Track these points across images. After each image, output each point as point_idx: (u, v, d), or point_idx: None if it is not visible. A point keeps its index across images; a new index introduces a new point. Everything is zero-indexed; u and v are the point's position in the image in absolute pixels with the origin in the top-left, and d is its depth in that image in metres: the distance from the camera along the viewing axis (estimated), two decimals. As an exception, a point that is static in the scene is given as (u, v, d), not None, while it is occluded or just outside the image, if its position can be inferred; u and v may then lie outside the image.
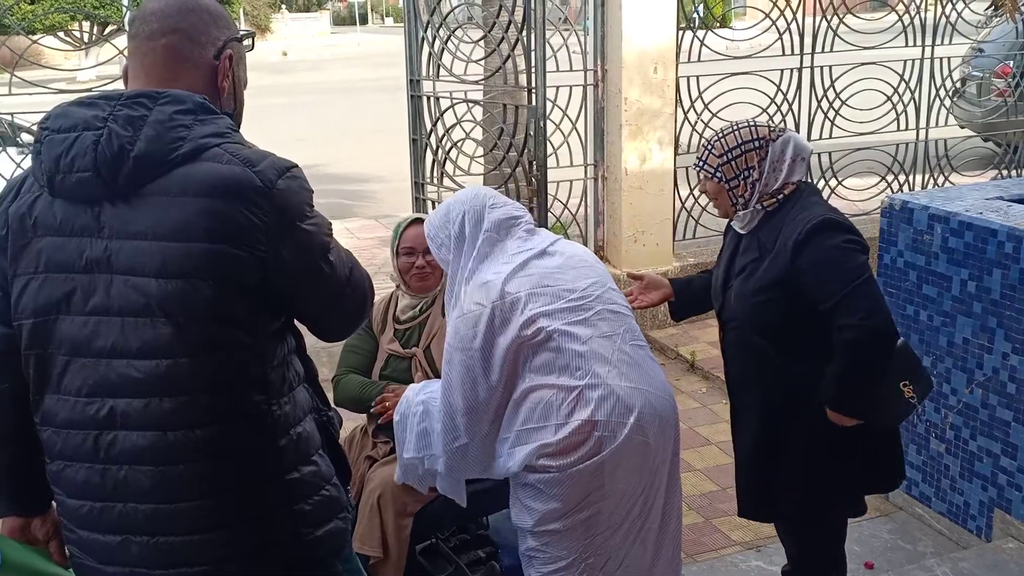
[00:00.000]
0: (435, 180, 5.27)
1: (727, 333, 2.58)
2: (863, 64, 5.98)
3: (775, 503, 2.54)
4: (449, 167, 5.23)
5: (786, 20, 5.73)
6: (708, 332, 5.38)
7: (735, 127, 2.48)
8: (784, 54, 5.79)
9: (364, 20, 52.90)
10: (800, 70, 5.80)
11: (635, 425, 2.28)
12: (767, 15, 5.76)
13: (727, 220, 2.61)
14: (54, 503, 1.68)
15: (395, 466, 2.74)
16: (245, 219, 1.46)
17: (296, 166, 1.57)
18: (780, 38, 5.75)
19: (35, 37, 5.10)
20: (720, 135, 2.47)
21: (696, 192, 5.64)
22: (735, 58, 5.68)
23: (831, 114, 5.97)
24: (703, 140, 5.59)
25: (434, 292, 2.96)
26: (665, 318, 5.54)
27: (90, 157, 1.45)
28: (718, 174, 2.44)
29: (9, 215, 1.53)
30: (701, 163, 2.48)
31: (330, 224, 1.61)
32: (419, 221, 3.00)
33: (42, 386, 1.55)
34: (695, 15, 5.68)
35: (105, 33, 17.48)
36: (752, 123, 2.48)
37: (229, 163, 1.47)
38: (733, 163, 2.43)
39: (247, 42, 1.68)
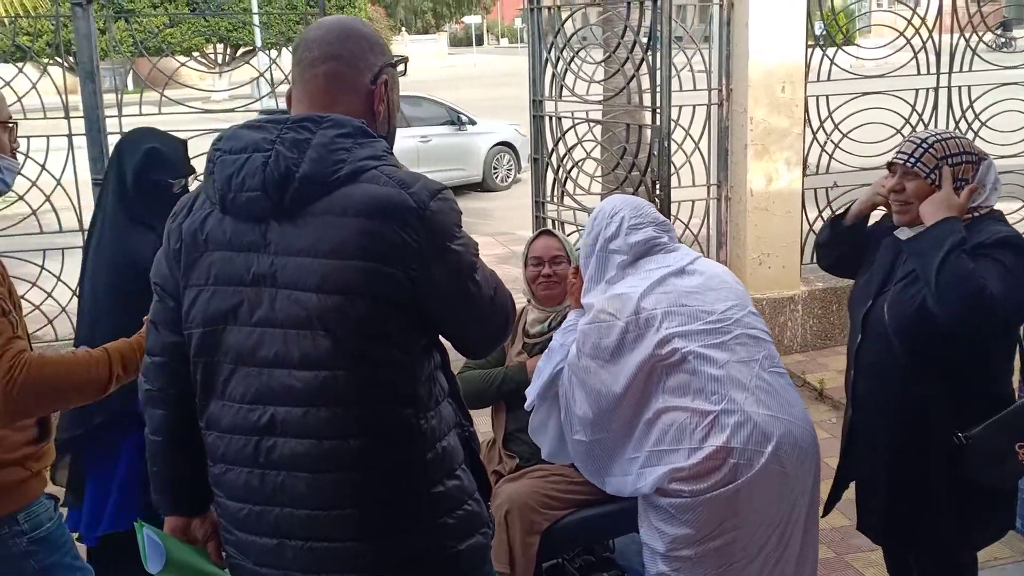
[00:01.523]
0: (555, 199, 5.29)
1: (866, 342, 2.45)
2: (1004, 84, 5.70)
3: (906, 529, 2.44)
4: (569, 186, 5.24)
5: (921, 38, 5.51)
6: (838, 359, 5.20)
7: (952, 135, 2.37)
8: (919, 73, 5.57)
9: (480, 41, 53.91)
10: (936, 90, 5.58)
11: (773, 454, 2.22)
12: (901, 33, 5.56)
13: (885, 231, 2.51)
14: (213, 505, 1.75)
15: (523, 482, 2.76)
16: (399, 239, 1.50)
17: (446, 188, 1.60)
18: (915, 57, 5.54)
19: (182, 60, 5.38)
20: (939, 138, 2.34)
21: (825, 214, 5.50)
22: (867, 77, 5.50)
23: (970, 136, 5.70)
24: (826, 154, 5.44)
25: (562, 307, 2.98)
26: (791, 344, 5.40)
27: (259, 177, 1.52)
28: (932, 175, 2.31)
29: (183, 230, 1.61)
30: (913, 160, 2.33)
31: (477, 245, 1.64)
32: (547, 233, 3.16)
33: (208, 392, 1.62)
34: (821, 32, 5.53)
35: (238, 55, 18.34)
36: (965, 136, 2.40)
37: (385, 184, 1.52)
38: (952, 169, 2.31)
39: (400, 67, 1.72)
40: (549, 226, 5.32)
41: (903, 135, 5.54)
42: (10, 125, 1.98)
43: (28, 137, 4.40)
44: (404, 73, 1.75)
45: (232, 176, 1.54)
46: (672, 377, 2.29)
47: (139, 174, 2.51)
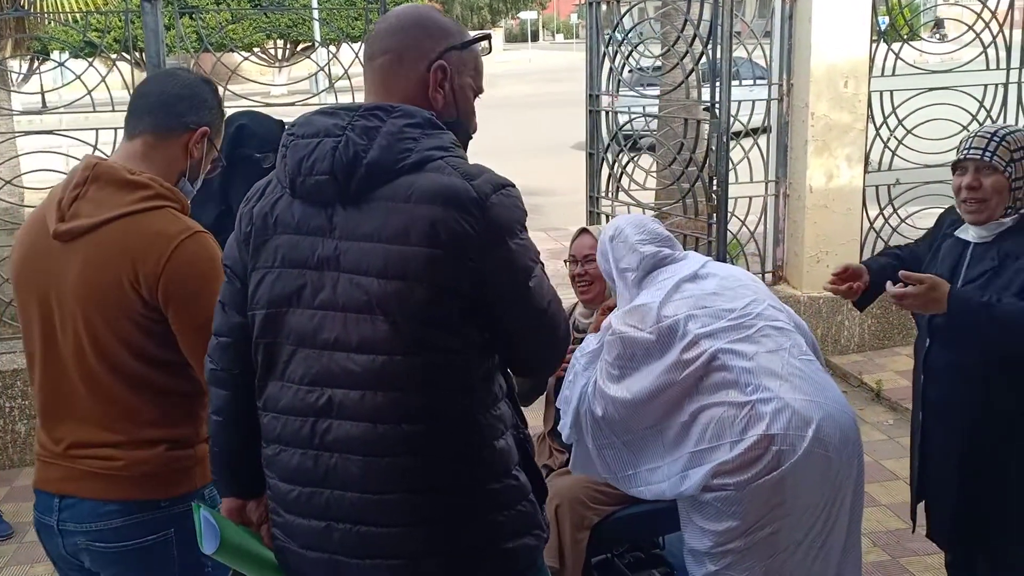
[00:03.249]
0: (610, 194, 5.27)
1: (936, 347, 2.40)
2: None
3: (978, 535, 2.40)
4: (624, 181, 5.21)
5: (991, 32, 5.36)
6: (895, 360, 5.10)
7: (1014, 127, 2.34)
8: (988, 68, 5.42)
9: (535, 37, 53.94)
10: (1006, 86, 5.41)
11: (814, 438, 2.22)
12: (970, 27, 5.41)
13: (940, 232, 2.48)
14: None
15: (573, 476, 2.76)
16: (459, 228, 1.49)
17: (512, 185, 1.58)
18: (984, 52, 5.39)
19: (245, 55, 5.48)
20: (1008, 130, 2.31)
21: (886, 212, 5.39)
22: (934, 72, 5.37)
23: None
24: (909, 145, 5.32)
25: (607, 304, 2.97)
26: (848, 344, 5.30)
27: (328, 162, 1.54)
28: (1009, 169, 2.27)
29: (254, 213, 1.64)
30: (989, 154, 2.28)
31: (538, 252, 1.61)
32: (585, 231, 3.11)
33: (268, 373, 1.64)
34: (884, 27, 5.41)
35: (298, 51, 18.62)
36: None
37: (449, 174, 1.52)
38: (1022, 163, 2.28)
39: (482, 45, 1.68)
40: (603, 221, 5.31)
41: (969, 132, 5.38)
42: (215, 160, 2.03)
43: (97, 130, 4.53)
44: (488, 51, 1.71)
45: (303, 160, 1.56)
46: (704, 378, 2.30)
47: (229, 148, 2.61)
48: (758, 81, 5.50)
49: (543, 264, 1.62)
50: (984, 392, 2.31)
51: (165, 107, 1.90)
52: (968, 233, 2.37)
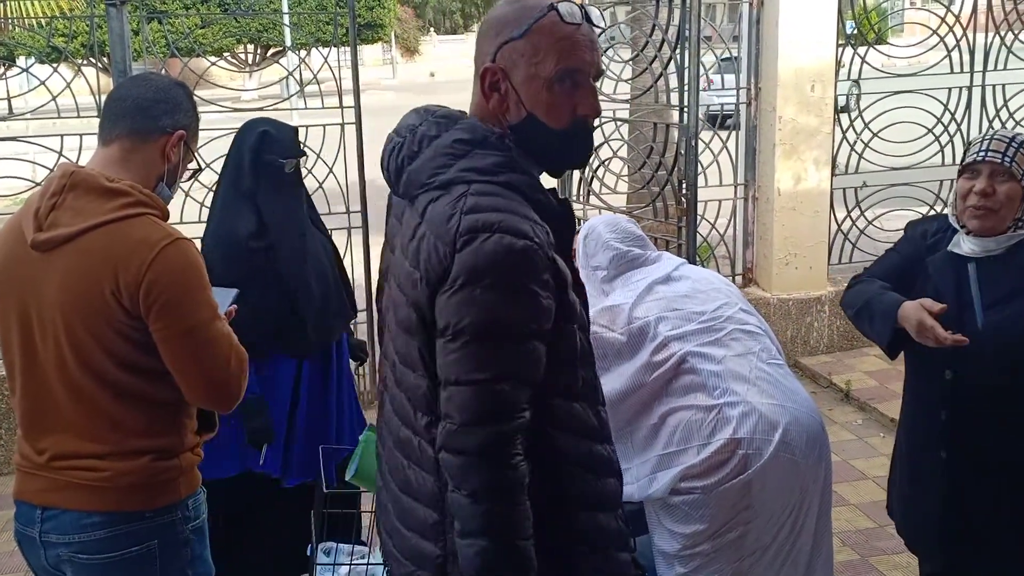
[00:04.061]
0: (581, 198, 5.28)
1: (965, 378, 2.16)
2: (1041, 82, 5.61)
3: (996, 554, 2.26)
4: (596, 185, 5.23)
5: (955, 36, 5.44)
6: (863, 360, 5.15)
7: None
8: (952, 72, 5.50)
9: (508, 41, 53.76)
10: (970, 89, 5.49)
11: (781, 442, 2.23)
12: (934, 31, 5.49)
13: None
14: None
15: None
16: (436, 255, 1.45)
17: (515, 234, 1.40)
18: (948, 55, 5.47)
19: (213, 59, 5.44)
20: None
21: (854, 214, 5.44)
22: (899, 76, 5.44)
23: (1003, 135, 5.60)
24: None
25: None
26: (817, 345, 5.35)
27: (387, 160, 1.60)
28: None
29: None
30: (1009, 160, 2.09)
31: (515, 324, 1.42)
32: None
33: (381, 336, 1.74)
34: (852, 31, 5.48)
35: (268, 55, 18.50)
36: None
37: (458, 201, 1.46)
38: None
39: (544, 22, 1.48)
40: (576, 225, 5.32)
41: (935, 134, 5.48)
42: (193, 162, 2.04)
43: (62, 136, 4.48)
44: (580, 22, 1.52)
45: (383, 151, 1.62)
46: (673, 380, 2.31)
47: (254, 154, 2.69)
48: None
49: (516, 343, 1.42)
50: (1014, 416, 2.14)
51: (141, 111, 1.89)
52: (963, 247, 2.18)
